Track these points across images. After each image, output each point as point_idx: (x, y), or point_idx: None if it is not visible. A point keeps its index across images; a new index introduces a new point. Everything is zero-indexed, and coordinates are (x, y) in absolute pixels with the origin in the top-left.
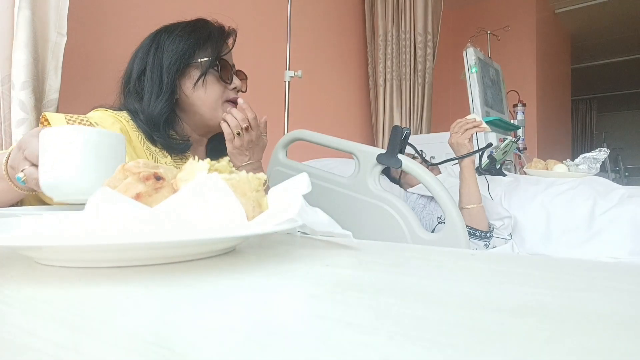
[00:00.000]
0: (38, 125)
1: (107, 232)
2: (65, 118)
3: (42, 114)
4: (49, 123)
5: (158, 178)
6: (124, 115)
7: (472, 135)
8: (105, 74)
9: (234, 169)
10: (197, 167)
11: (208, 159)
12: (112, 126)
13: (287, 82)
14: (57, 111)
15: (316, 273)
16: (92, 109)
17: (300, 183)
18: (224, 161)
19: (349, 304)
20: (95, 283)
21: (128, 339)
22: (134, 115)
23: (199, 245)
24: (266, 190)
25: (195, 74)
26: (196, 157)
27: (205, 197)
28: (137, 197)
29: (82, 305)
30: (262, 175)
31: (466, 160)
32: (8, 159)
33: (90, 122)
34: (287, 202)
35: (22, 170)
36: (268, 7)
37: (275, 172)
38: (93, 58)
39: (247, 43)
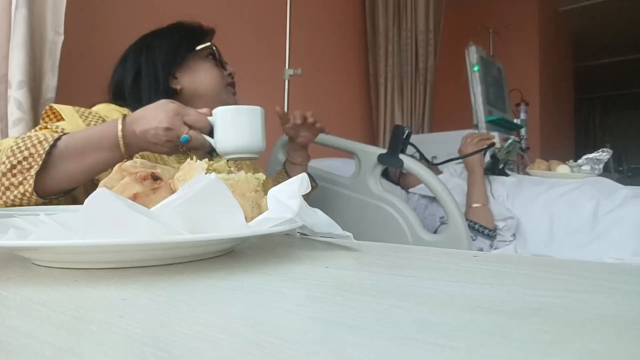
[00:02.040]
0: (36, 125)
1: (104, 234)
2: (74, 109)
3: (49, 105)
4: (55, 114)
5: (155, 178)
6: (128, 111)
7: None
8: (102, 73)
9: (232, 169)
10: (195, 167)
11: (206, 159)
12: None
13: (286, 81)
14: None
15: (316, 274)
16: (93, 105)
17: (300, 183)
18: (222, 161)
19: (350, 306)
20: (92, 285)
21: (125, 341)
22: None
23: (198, 247)
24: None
25: (193, 64)
26: (194, 157)
27: (203, 197)
28: (135, 197)
29: (79, 307)
30: (260, 176)
31: (477, 163)
32: (122, 131)
33: (100, 115)
34: (287, 202)
35: (186, 133)
36: (267, 4)
37: (275, 172)
38: (90, 57)
39: (246, 41)
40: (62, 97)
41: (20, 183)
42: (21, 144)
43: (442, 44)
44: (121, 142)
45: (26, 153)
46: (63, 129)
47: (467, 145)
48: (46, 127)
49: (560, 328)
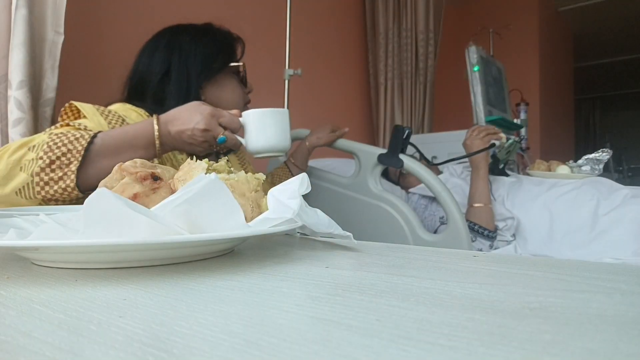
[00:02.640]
0: (36, 124)
1: (104, 234)
2: (95, 107)
3: (69, 102)
4: (73, 111)
5: (155, 178)
6: (144, 112)
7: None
8: (103, 72)
9: (232, 169)
10: (195, 167)
11: (206, 159)
12: (138, 119)
13: (286, 81)
14: (54, 111)
15: (316, 274)
16: (109, 104)
17: (299, 183)
18: (222, 161)
19: (350, 306)
20: (92, 284)
21: (125, 341)
22: (152, 113)
23: (197, 246)
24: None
25: (221, 79)
26: (195, 157)
27: (203, 197)
28: (134, 197)
29: (79, 307)
30: (260, 176)
31: (482, 160)
32: (159, 131)
33: (120, 115)
34: (287, 202)
35: (222, 133)
36: (267, 4)
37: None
38: (90, 57)
39: (246, 41)
40: (62, 97)
41: (61, 178)
42: (57, 141)
43: (442, 44)
44: (157, 142)
45: (64, 149)
46: (86, 126)
47: (473, 139)
48: (68, 124)
49: (560, 328)
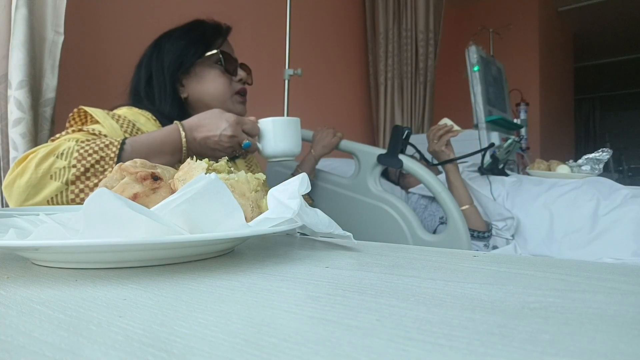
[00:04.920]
0: (35, 125)
1: (104, 233)
2: (105, 112)
3: (79, 107)
4: (81, 116)
5: (155, 178)
6: (149, 114)
7: (447, 141)
8: (102, 73)
9: (232, 169)
10: (195, 167)
11: (206, 159)
12: (147, 122)
13: (286, 81)
14: (54, 111)
15: (316, 274)
16: (114, 108)
17: (299, 183)
18: (222, 161)
19: (350, 306)
20: (92, 284)
21: (125, 341)
22: (155, 114)
23: (197, 246)
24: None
25: (199, 71)
26: (194, 157)
27: (203, 197)
28: (134, 197)
29: (79, 307)
30: (260, 176)
31: (448, 165)
32: (186, 137)
33: (130, 120)
34: (287, 202)
35: (247, 140)
36: (267, 4)
37: (274, 172)
38: (90, 57)
39: (246, 41)
40: (62, 97)
41: (96, 185)
42: (87, 148)
43: (442, 44)
44: (184, 148)
45: (96, 157)
46: (100, 131)
47: (431, 142)
48: (81, 130)
49: (560, 328)
